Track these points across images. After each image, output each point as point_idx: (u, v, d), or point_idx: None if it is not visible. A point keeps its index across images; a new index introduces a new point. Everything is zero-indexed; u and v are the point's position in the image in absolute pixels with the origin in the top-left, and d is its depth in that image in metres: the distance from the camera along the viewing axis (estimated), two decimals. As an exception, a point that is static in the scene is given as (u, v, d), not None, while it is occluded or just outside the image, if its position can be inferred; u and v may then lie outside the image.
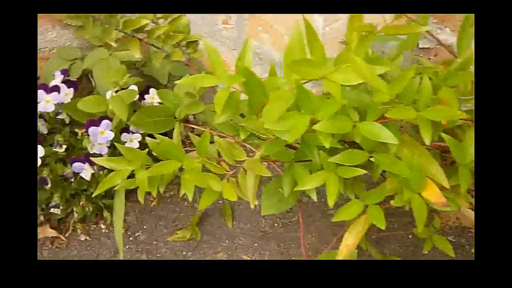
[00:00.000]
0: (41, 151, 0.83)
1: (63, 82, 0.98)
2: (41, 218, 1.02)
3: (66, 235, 1.01)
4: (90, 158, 0.87)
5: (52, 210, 0.89)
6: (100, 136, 0.90)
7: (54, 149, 0.86)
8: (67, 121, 0.97)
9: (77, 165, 0.86)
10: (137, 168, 0.77)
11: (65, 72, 1.00)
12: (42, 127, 0.90)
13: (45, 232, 1.00)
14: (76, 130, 0.96)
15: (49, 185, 0.86)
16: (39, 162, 0.81)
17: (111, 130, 0.92)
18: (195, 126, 1.11)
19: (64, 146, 0.88)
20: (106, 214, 1.02)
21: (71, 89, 0.96)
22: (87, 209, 0.95)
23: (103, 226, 1.03)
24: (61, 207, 0.89)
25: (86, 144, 0.88)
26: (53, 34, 1.12)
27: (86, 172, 0.87)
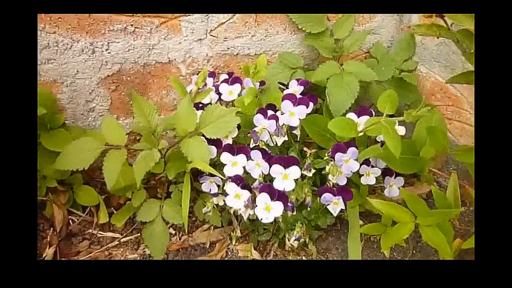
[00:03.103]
0: (297, 172, 0.71)
1: (301, 94, 0.87)
2: (238, 232, 0.93)
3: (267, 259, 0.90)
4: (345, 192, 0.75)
5: (292, 242, 0.77)
6: (344, 165, 0.77)
7: (302, 172, 0.75)
8: (298, 138, 0.86)
9: (327, 196, 0.74)
10: (425, 224, 0.62)
11: (305, 83, 0.89)
12: (279, 140, 0.80)
13: (246, 251, 0.90)
14: (305, 148, 0.84)
15: (294, 212, 0.74)
16: (292, 185, 0.70)
17: (355, 160, 0.78)
18: (439, 172, 0.94)
19: (313, 170, 0.76)
20: (311, 247, 0.89)
21: (311, 104, 0.85)
22: (302, 239, 0.83)
23: (304, 259, 0.90)
24: (301, 240, 0.77)
25: (332, 172, 0.75)
26: (281, 37, 1.02)
27: (335, 207, 0.74)
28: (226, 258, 0.89)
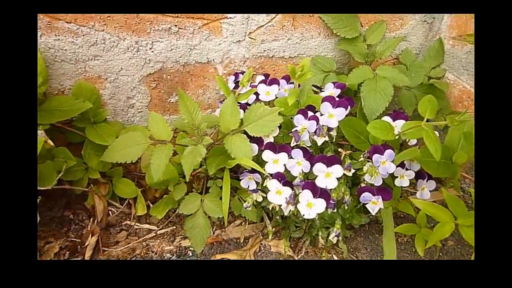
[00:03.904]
0: (339, 171, 0.74)
1: (338, 96, 0.90)
2: (270, 228, 0.96)
3: (299, 256, 0.93)
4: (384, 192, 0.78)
5: (331, 237, 0.80)
6: (381, 166, 0.80)
7: (343, 171, 0.77)
8: (333, 138, 0.89)
9: (366, 195, 0.77)
10: (466, 224, 0.65)
11: (341, 86, 0.92)
12: (319, 140, 0.83)
13: (279, 247, 0.93)
14: (340, 150, 0.87)
15: (334, 210, 0.77)
16: (334, 183, 0.73)
17: (391, 162, 0.81)
18: (468, 176, 0.97)
19: (353, 170, 0.79)
20: (341, 245, 0.92)
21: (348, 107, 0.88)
22: (337, 238, 0.85)
23: (335, 257, 0.93)
24: (340, 236, 0.80)
25: (371, 172, 0.78)
26: (315, 41, 1.05)
27: (373, 206, 0.77)
28: (259, 253, 0.92)
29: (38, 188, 0.76)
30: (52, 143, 0.78)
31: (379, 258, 0.93)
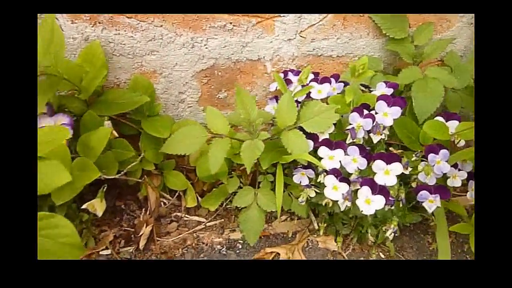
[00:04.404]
0: (399, 169, 0.75)
1: (391, 95, 0.91)
2: (320, 224, 0.97)
3: (346, 253, 0.94)
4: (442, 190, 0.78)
5: (387, 234, 0.81)
6: (436, 166, 0.80)
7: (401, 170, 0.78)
8: (385, 137, 0.90)
9: (424, 193, 0.77)
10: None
11: (394, 86, 0.93)
12: (375, 138, 0.84)
13: (326, 243, 0.94)
14: (391, 149, 0.88)
15: (392, 207, 0.78)
16: (393, 181, 0.74)
17: (446, 161, 0.81)
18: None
19: (410, 169, 0.80)
20: (389, 244, 0.93)
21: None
22: (394, 234, 0.85)
23: (382, 256, 0.94)
24: (397, 233, 0.81)
25: (427, 171, 0.78)
26: (363, 41, 1.06)
27: (430, 205, 0.77)
28: (307, 249, 0.93)
29: (102, 177, 0.78)
30: (116, 134, 0.80)
31: (425, 258, 0.93)
